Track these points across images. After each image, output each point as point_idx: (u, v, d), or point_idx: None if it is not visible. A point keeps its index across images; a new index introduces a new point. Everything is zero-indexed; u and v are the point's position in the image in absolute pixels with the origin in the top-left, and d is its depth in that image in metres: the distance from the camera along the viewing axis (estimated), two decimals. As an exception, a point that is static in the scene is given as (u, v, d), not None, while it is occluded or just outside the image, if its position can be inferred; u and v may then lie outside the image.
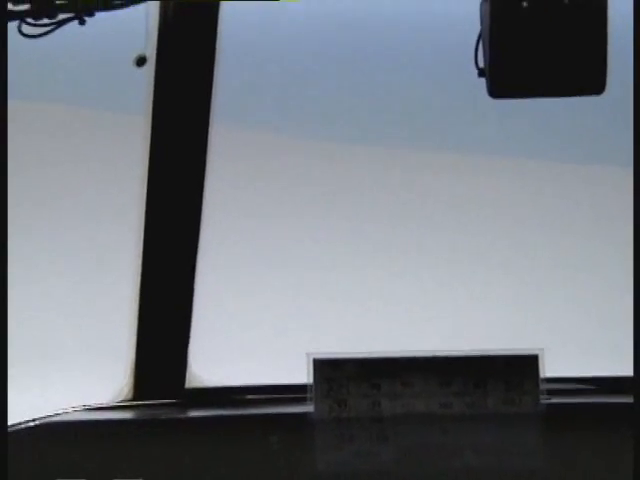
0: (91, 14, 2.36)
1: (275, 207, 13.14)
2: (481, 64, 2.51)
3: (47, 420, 2.98)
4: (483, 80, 2.50)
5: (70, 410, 3.05)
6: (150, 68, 2.87)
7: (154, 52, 2.87)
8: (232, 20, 2.92)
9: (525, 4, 2.41)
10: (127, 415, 3.08)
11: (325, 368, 2.91)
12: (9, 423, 2.91)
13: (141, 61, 2.67)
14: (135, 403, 3.11)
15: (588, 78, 2.44)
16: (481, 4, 2.47)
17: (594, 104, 2.59)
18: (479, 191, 14.53)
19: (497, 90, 2.47)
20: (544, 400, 2.93)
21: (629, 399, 2.90)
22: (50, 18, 2.31)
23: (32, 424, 2.96)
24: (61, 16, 2.33)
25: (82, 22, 2.36)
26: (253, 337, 8.27)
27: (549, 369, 2.92)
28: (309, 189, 14.29)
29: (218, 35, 2.90)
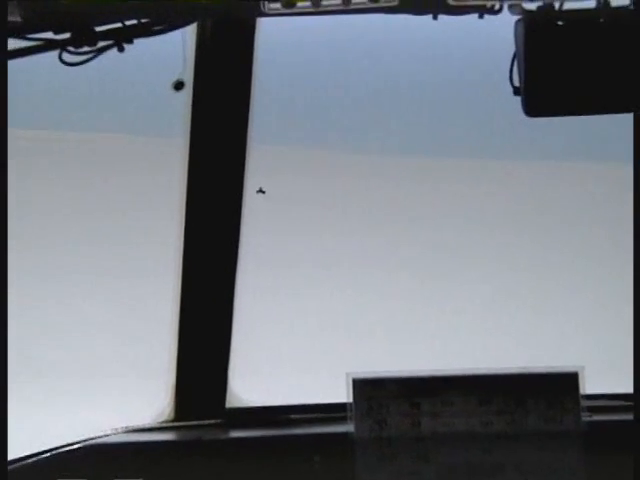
0: (130, 41, 2.39)
1: (312, 225, 13.16)
2: (516, 83, 2.51)
3: (91, 442, 3.00)
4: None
5: (113, 432, 3.07)
6: (188, 92, 2.91)
7: (192, 76, 2.91)
8: (268, 43, 2.95)
9: (560, 23, 2.41)
10: (169, 436, 3.10)
11: (365, 387, 2.91)
12: (54, 445, 2.94)
13: (179, 85, 2.69)
14: (177, 424, 3.12)
15: (624, 95, 2.43)
16: (516, 23, 2.47)
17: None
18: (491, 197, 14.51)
19: (533, 109, 2.47)
20: (585, 418, 2.92)
21: None
22: (90, 46, 2.34)
23: (76, 446, 2.97)
24: (101, 44, 2.35)
25: (121, 49, 2.38)
26: (292, 357, 8.27)
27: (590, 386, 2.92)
28: (342, 203, 14.29)
29: (255, 58, 2.92)
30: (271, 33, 2.83)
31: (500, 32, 2.55)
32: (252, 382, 3.43)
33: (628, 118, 2.53)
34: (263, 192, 13.11)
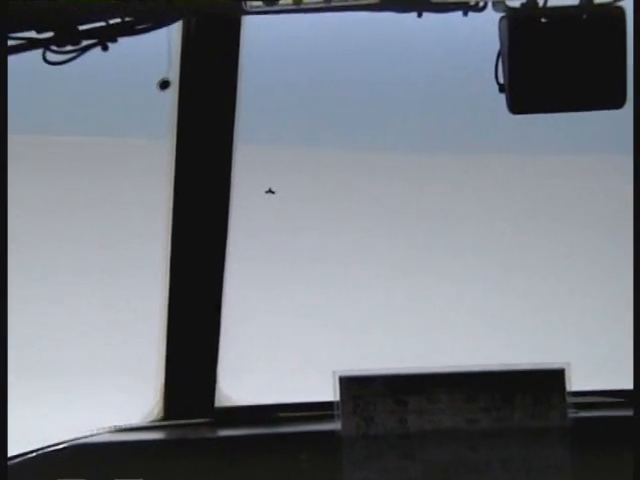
0: (114, 40, 2.38)
1: (297, 222, 13.16)
2: (502, 80, 2.51)
3: (77, 442, 2.99)
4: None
5: (100, 431, 3.06)
6: (173, 91, 2.91)
7: (177, 75, 2.90)
8: (255, 40, 2.95)
9: (543, 20, 2.41)
10: (158, 436, 3.09)
11: (351, 385, 2.91)
12: (40, 445, 2.94)
13: (165, 84, 2.69)
14: (165, 423, 3.12)
15: (608, 92, 2.44)
16: (500, 20, 2.47)
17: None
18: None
19: (517, 106, 2.47)
20: (572, 414, 2.92)
21: None
22: (73, 45, 2.33)
23: (62, 446, 2.97)
24: (84, 42, 2.34)
25: (105, 48, 2.37)
26: (280, 355, 8.28)
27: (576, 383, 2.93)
28: (328, 202, 14.29)
29: (240, 56, 2.92)
30: (258, 30, 2.83)
31: (485, 29, 2.56)
32: (242, 381, 3.43)
33: (611, 112, 2.53)
34: (273, 192, 12.99)
